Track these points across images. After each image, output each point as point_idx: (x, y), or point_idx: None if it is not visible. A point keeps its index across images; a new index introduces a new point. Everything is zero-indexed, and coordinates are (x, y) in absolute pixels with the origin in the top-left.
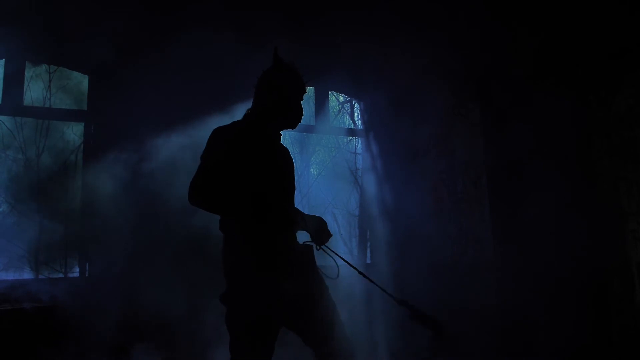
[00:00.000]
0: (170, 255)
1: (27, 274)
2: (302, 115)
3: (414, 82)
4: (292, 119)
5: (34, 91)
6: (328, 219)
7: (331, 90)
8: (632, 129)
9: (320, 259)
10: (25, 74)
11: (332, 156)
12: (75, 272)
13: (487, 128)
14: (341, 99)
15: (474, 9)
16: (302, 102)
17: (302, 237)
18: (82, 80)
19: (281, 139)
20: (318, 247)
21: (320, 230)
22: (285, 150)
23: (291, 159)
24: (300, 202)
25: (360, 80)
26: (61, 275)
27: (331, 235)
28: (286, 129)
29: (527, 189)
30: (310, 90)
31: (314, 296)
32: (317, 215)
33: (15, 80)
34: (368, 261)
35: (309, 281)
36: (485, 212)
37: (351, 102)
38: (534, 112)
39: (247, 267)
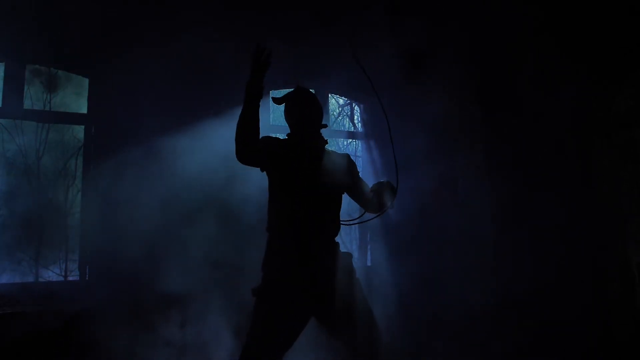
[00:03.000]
0: (173, 258)
1: (27, 277)
2: (314, 118)
3: (414, 85)
4: (307, 125)
5: (34, 94)
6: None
7: (331, 93)
8: (632, 130)
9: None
10: (26, 77)
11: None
12: (76, 275)
13: (488, 130)
14: (341, 101)
15: (475, 11)
16: (314, 109)
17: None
18: (82, 83)
19: (325, 146)
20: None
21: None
22: (336, 157)
23: (336, 164)
24: None
25: (360, 82)
26: (61, 278)
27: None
28: (311, 132)
29: (528, 191)
30: None
31: (347, 303)
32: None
33: (15, 84)
34: (369, 264)
35: (345, 288)
36: (486, 214)
37: (351, 105)
38: (535, 112)
39: (280, 264)
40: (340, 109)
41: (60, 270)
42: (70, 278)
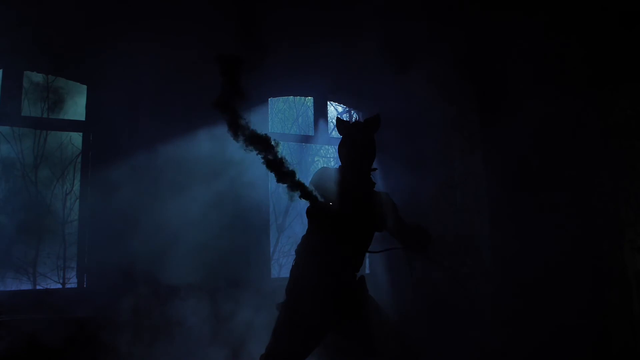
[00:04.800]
0: (171, 265)
1: (25, 285)
2: (362, 162)
3: (414, 92)
4: (355, 168)
5: (32, 101)
6: None
7: (330, 101)
8: (630, 139)
9: None
10: (24, 84)
11: (331, 167)
12: (74, 283)
13: (486, 138)
14: (340, 109)
15: (473, 14)
16: (366, 153)
17: None
18: (80, 90)
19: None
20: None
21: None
22: (377, 200)
23: (375, 209)
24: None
25: (359, 90)
26: (59, 286)
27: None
28: (358, 176)
29: (526, 199)
30: (308, 100)
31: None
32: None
33: (13, 91)
34: (367, 271)
35: (358, 311)
36: (484, 222)
37: (350, 112)
38: (534, 121)
39: (302, 285)
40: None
41: (58, 278)
42: (68, 285)
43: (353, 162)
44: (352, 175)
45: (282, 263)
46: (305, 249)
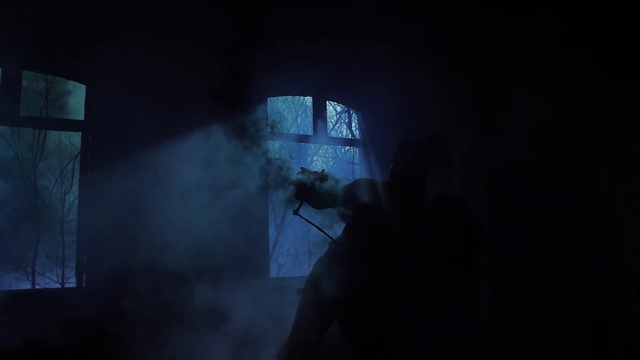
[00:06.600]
0: (169, 265)
1: (24, 285)
2: (407, 174)
3: (413, 92)
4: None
5: (31, 101)
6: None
7: (329, 100)
8: (628, 140)
9: None
10: (23, 83)
11: (330, 166)
12: (73, 282)
13: (486, 137)
14: (339, 109)
15: (474, 15)
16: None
17: None
18: (79, 90)
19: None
20: None
21: None
22: (424, 214)
23: (417, 221)
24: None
25: (358, 90)
26: (58, 285)
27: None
28: (407, 187)
29: (526, 198)
30: (307, 100)
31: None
32: None
33: (12, 90)
34: None
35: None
36: (484, 222)
37: (349, 112)
38: (534, 121)
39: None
40: (338, 116)
41: (57, 277)
42: (67, 285)
43: (403, 181)
44: (396, 192)
45: (281, 263)
46: (333, 248)
